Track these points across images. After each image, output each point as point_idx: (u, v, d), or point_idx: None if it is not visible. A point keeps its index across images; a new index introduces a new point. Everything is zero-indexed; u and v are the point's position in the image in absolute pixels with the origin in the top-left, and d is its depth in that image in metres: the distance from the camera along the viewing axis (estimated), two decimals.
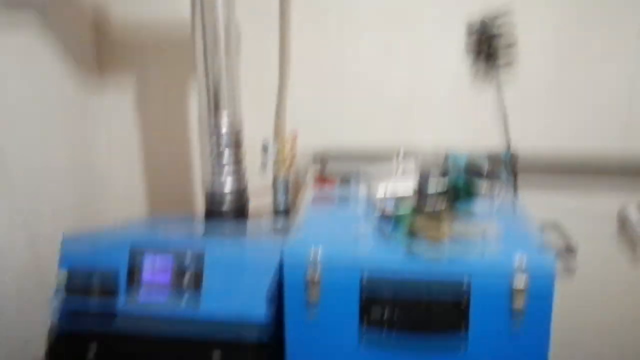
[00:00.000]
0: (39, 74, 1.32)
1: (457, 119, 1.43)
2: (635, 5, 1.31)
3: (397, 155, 1.35)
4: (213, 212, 1.18)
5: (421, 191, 0.97)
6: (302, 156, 1.40)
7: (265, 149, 1.13)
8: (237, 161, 1.17)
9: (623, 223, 1.37)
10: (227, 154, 1.15)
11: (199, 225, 1.19)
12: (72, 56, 1.43)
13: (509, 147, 1.10)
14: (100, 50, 1.55)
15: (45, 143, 1.35)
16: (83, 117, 1.51)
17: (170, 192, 1.60)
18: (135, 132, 1.59)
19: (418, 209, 0.92)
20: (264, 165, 1.18)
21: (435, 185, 0.97)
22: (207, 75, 1.12)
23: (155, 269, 1.00)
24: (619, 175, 1.37)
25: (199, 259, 0.99)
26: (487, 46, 1.02)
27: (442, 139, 1.44)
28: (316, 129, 1.48)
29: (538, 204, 1.38)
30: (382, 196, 1.01)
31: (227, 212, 1.17)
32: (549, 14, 1.34)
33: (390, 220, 0.93)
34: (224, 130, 1.14)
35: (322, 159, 1.45)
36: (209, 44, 1.11)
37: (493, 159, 1.15)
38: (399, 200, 0.98)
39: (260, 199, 1.29)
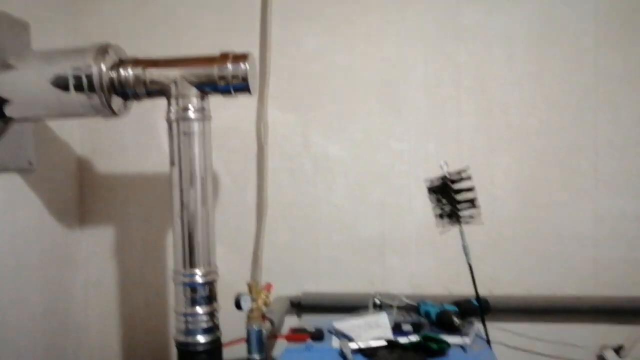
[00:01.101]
0: (20, 225, 1.34)
1: (429, 262, 1.47)
2: (591, 158, 1.40)
3: (373, 303, 1.37)
4: None
5: (394, 346, 0.97)
6: (277, 305, 1.41)
7: (237, 304, 1.13)
8: (211, 315, 1.17)
9: None
10: (199, 309, 1.15)
11: None
12: (55, 207, 1.47)
13: (477, 295, 1.12)
14: (82, 201, 1.60)
15: (19, 288, 1.35)
16: (61, 264, 1.52)
17: (146, 344, 1.58)
18: (112, 279, 1.60)
19: None
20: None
21: (408, 341, 0.98)
22: (182, 226, 1.16)
23: None
24: (594, 320, 1.39)
25: None
26: (448, 203, 1.07)
27: (416, 283, 1.48)
28: (291, 275, 1.52)
29: (514, 353, 1.40)
30: (354, 350, 1.00)
31: None
32: (507, 163, 1.43)
33: None
34: (198, 282, 1.15)
35: (296, 311, 1.46)
36: (184, 197, 1.15)
37: (464, 307, 1.16)
38: (370, 355, 0.97)
39: (236, 351, 1.29)
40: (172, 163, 1.16)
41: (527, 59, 1.42)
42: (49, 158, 1.45)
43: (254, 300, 1.17)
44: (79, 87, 1.12)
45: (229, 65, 1.11)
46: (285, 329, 1.44)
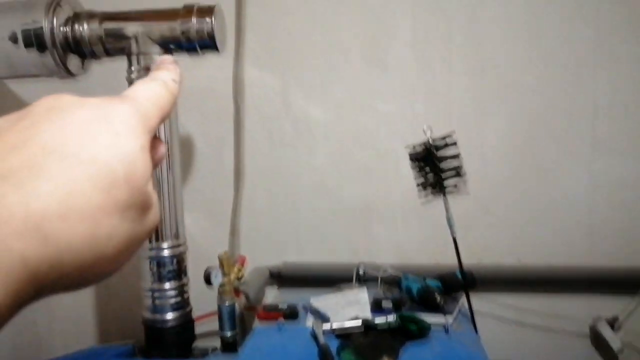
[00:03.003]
0: None
1: (416, 231, 1.40)
2: (589, 119, 1.31)
3: (356, 274, 1.31)
4: (155, 345, 1.10)
5: (369, 327, 0.90)
6: (255, 276, 1.34)
7: (207, 279, 1.06)
8: (180, 290, 1.10)
9: (596, 340, 1.30)
10: (167, 284, 1.08)
11: None
12: None
13: (461, 269, 1.05)
14: None
15: None
16: None
17: (121, 318, 1.51)
18: None
19: (363, 349, 0.84)
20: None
21: (385, 321, 0.91)
22: None
23: None
24: (588, 291, 1.32)
25: None
26: (432, 171, 0.98)
27: (402, 254, 1.41)
28: (271, 244, 1.44)
29: (502, 325, 1.34)
30: (327, 330, 0.94)
31: (170, 346, 1.09)
32: (499, 125, 1.34)
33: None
34: (165, 255, 1.08)
35: (277, 283, 1.40)
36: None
37: (448, 281, 1.09)
38: (344, 336, 0.91)
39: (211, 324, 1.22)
40: None
41: (524, 11, 1.31)
42: None
43: (225, 274, 1.09)
44: (29, 45, 1.02)
45: (194, 20, 1.01)
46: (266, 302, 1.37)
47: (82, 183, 0.25)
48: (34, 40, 1.01)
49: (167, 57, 0.37)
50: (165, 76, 0.34)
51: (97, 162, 0.26)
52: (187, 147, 1.43)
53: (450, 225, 1.01)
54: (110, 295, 1.52)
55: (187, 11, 1.01)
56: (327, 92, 1.40)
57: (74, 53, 1.05)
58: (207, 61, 1.34)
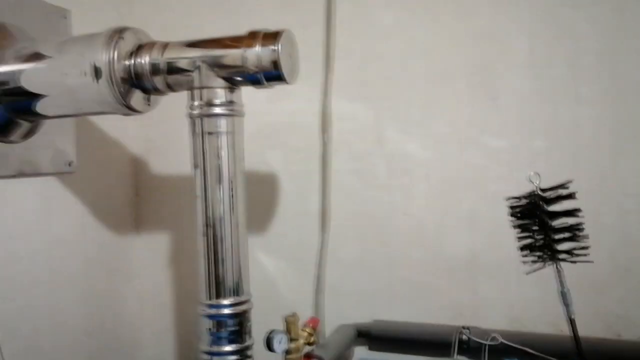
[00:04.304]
0: (57, 232, 1.23)
1: (533, 291, 1.15)
2: None
3: (458, 339, 1.11)
4: None
5: None
6: (339, 336, 1.18)
7: (269, 345, 0.91)
8: (242, 354, 0.96)
9: None
10: (227, 347, 0.95)
11: None
12: (103, 212, 1.35)
13: (579, 350, 0.80)
14: (137, 205, 1.47)
15: (57, 302, 1.23)
16: (111, 275, 1.39)
17: None
18: (168, 292, 1.45)
19: None
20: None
21: None
22: (206, 244, 0.95)
23: None
24: None
25: None
26: (540, 231, 0.76)
27: (515, 318, 1.17)
28: (360, 299, 1.27)
29: None
30: None
31: None
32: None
33: None
34: (224, 314, 0.95)
35: (367, 342, 1.22)
36: (208, 208, 0.95)
37: None
38: None
39: None
40: (195, 166, 0.96)
41: None
42: (95, 158, 1.32)
43: (293, 339, 0.94)
44: (91, 80, 0.95)
45: (257, 47, 0.88)
46: None
47: None
48: (95, 75, 0.94)
49: None
50: None
51: None
52: (271, 186, 1.32)
53: (566, 304, 0.77)
54: (192, 341, 1.43)
55: (252, 37, 0.89)
56: (427, 125, 1.22)
57: (135, 88, 0.97)
58: (294, 93, 1.23)
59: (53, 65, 0.99)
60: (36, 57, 1.01)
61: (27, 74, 1.00)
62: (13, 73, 1.00)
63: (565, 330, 1.10)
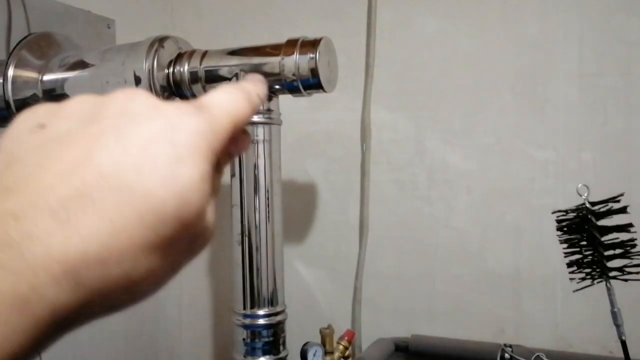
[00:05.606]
0: None
1: (581, 309, 1.10)
2: None
3: (501, 357, 1.06)
4: None
5: None
6: (376, 350, 1.15)
7: (304, 358, 0.89)
8: None
9: None
10: (262, 358, 0.93)
11: None
12: None
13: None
14: None
15: None
16: None
17: None
18: (207, 300, 1.45)
19: None
20: None
21: None
22: (242, 254, 0.95)
23: None
24: None
25: None
26: (589, 247, 0.72)
27: (562, 337, 1.12)
28: (398, 313, 1.24)
29: None
30: None
31: None
32: None
33: None
34: (259, 324, 0.94)
35: (405, 357, 1.18)
36: (244, 217, 0.94)
37: None
38: None
39: None
40: (232, 174, 0.96)
41: None
42: None
43: (327, 352, 0.92)
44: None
45: (296, 55, 0.87)
46: None
47: (129, 221, 0.23)
48: (135, 84, 0.95)
49: (256, 75, 0.35)
50: (251, 89, 0.31)
51: (150, 197, 0.23)
52: (310, 195, 1.30)
53: (617, 324, 0.73)
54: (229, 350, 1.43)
55: (290, 45, 0.88)
56: (470, 136, 1.18)
57: (175, 96, 0.97)
58: (334, 102, 1.22)
59: (95, 74, 1.00)
60: (80, 65, 1.03)
61: (71, 82, 1.02)
62: (58, 80, 1.02)
63: (614, 352, 1.05)
